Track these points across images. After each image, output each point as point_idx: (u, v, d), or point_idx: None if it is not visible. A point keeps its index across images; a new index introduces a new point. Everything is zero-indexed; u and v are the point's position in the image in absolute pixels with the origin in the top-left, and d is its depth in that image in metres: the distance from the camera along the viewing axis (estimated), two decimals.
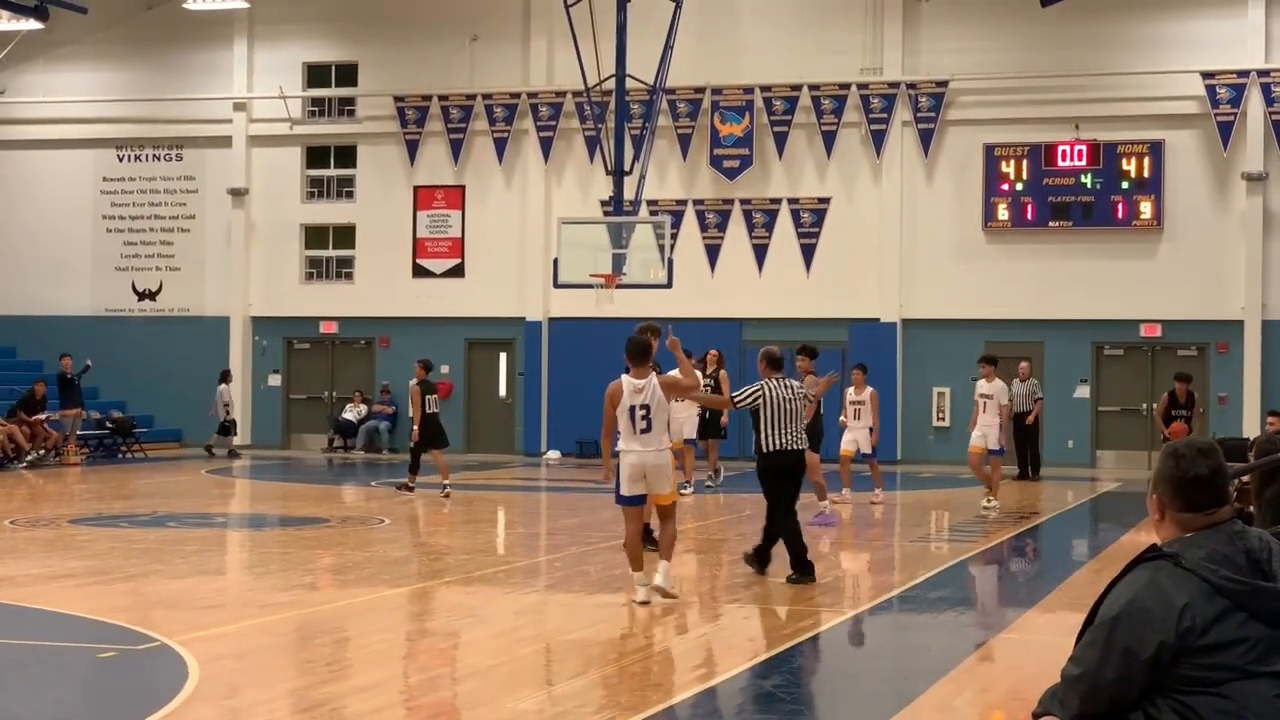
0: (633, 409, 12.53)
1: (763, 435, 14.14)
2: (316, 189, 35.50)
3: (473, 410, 34.51)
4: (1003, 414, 22.17)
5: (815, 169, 32.55)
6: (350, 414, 34.52)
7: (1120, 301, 30.97)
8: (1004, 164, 31.41)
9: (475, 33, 34.07)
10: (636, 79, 29.14)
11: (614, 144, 29.13)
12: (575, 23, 28.85)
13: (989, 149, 31.48)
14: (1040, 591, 14.28)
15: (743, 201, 32.76)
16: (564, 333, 33.28)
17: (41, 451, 29.77)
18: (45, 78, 36.31)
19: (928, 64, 32.02)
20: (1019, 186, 31.29)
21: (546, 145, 33.55)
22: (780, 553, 14.25)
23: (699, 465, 24.84)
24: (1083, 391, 31.48)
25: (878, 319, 32.06)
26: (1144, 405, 31.06)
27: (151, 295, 36.19)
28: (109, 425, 32.79)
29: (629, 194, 29.09)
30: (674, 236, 30.26)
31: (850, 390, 23.04)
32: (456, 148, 34.07)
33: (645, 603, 12.46)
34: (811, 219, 32.47)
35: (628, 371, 12.73)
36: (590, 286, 27.43)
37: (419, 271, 34.52)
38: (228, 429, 33.80)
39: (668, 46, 29.48)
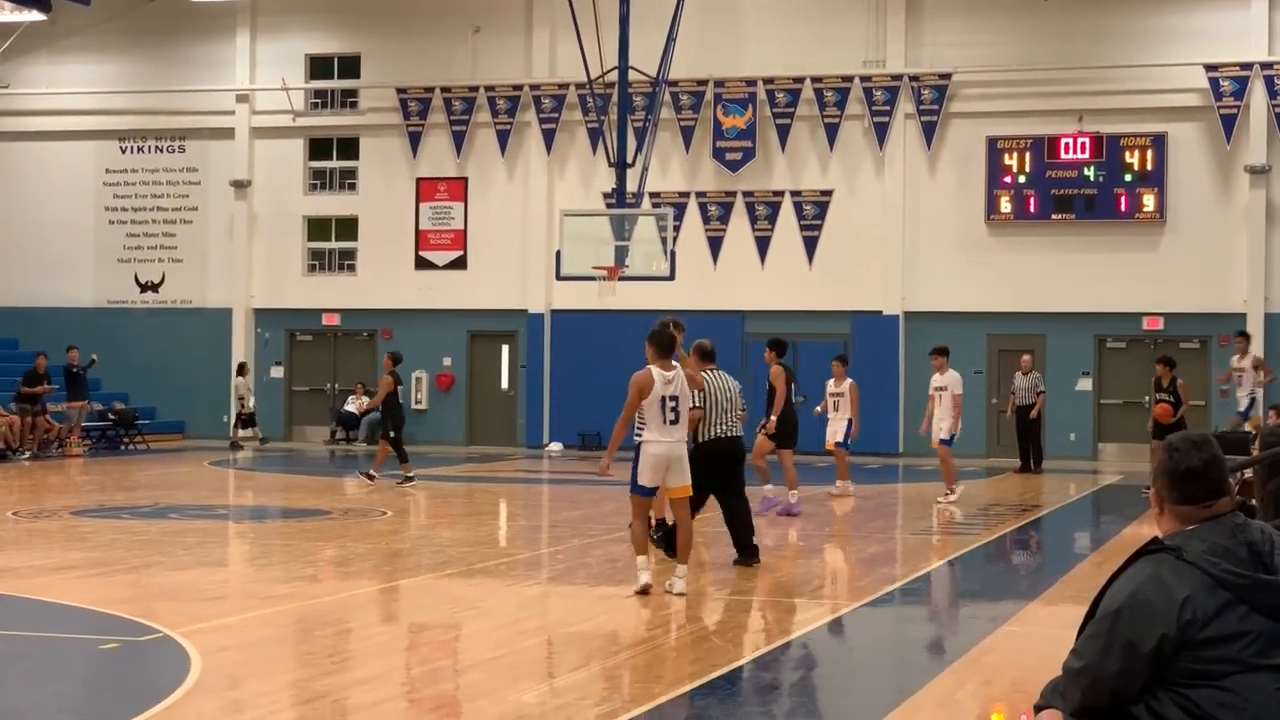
0: (664, 399, 12.58)
1: (700, 425, 14.33)
2: (319, 181, 35.49)
3: (475, 402, 34.52)
4: (956, 404, 21.72)
5: (818, 161, 32.54)
6: (352, 406, 34.51)
7: (1123, 294, 30.95)
8: (1007, 156, 31.39)
9: (478, 24, 34.05)
10: (639, 71, 29.12)
11: (616, 136, 29.11)
12: (578, 14, 28.83)
13: (992, 141, 31.45)
14: (1042, 584, 14.28)
15: (745, 194, 32.75)
16: (566, 325, 33.27)
17: (41, 443, 29.77)
18: (48, 69, 36.30)
19: (930, 56, 31.99)
20: (1022, 179, 31.27)
21: (549, 137, 33.53)
22: (725, 537, 14.51)
23: None
24: (1085, 384, 31.47)
25: (880, 312, 32.05)
26: (1146, 398, 31.02)
27: (154, 287, 36.20)
28: (111, 417, 32.82)
29: (631, 186, 29.07)
30: (676, 229, 30.24)
31: (830, 382, 22.90)
32: (459, 140, 34.05)
33: (646, 589, 12.45)
34: (814, 211, 32.45)
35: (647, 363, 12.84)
36: (593, 279, 27.42)
37: (421, 264, 34.51)
38: (248, 421, 33.91)
39: (670, 38, 29.45)
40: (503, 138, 33.83)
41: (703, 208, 32.96)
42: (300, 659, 10.32)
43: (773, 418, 19.79)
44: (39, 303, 36.03)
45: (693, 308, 29.45)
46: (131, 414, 33.16)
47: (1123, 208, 30.79)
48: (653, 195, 31.73)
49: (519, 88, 33.71)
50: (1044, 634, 11.46)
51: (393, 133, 34.64)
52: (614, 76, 29.02)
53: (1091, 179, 30.90)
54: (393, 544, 16.60)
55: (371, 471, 23.92)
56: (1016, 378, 29.04)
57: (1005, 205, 31.39)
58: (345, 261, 35.31)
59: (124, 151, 36.34)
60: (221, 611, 11.96)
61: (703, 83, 32.67)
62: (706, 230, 32.88)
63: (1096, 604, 4.40)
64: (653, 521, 14.06)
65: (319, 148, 35.51)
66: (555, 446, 33.11)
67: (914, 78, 31.84)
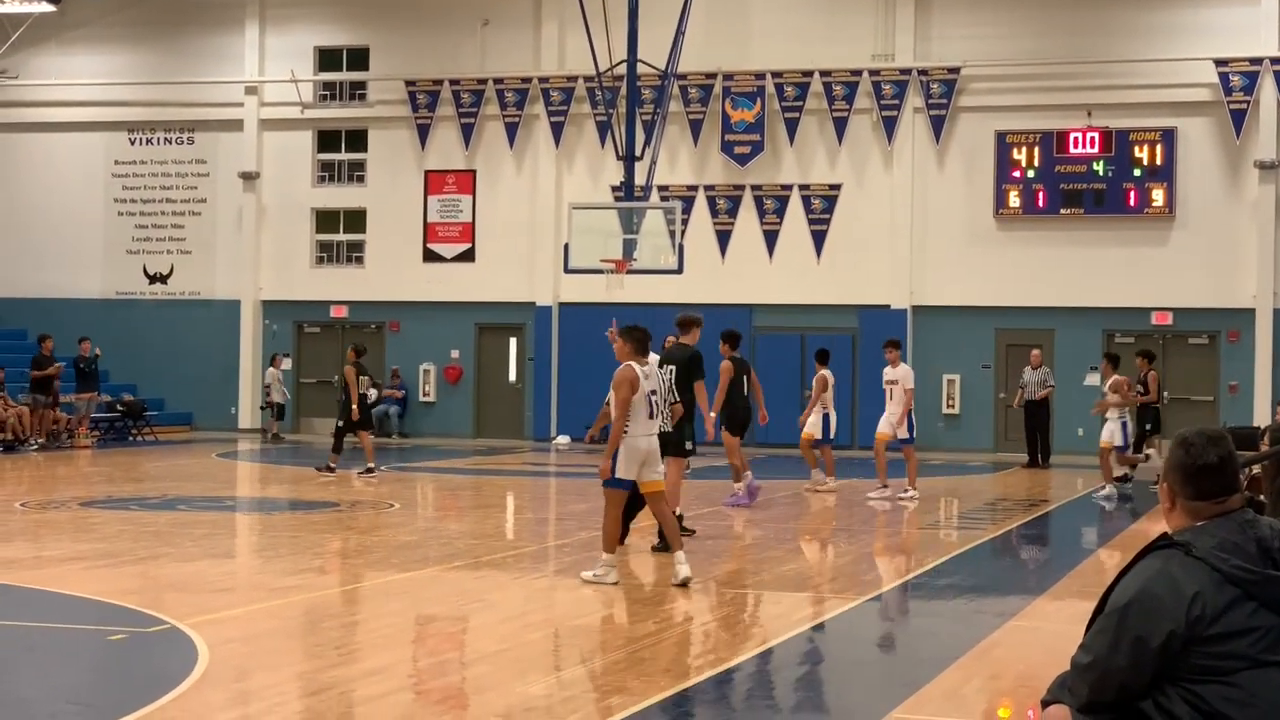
0: (650, 394, 13.00)
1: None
2: (327, 173, 35.50)
3: (482, 395, 34.54)
4: (907, 399, 21.28)
5: (826, 155, 32.52)
6: None
7: (1131, 289, 30.92)
8: (1016, 151, 31.35)
9: (487, 17, 34.05)
10: (648, 64, 29.08)
11: (625, 129, 29.07)
12: (586, 7, 28.79)
13: (1000, 136, 31.42)
14: (1050, 579, 14.27)
15: (754, 187, 32.74)
16: (574, 318, 33.26)
17: (49, 433, 29.83)
18: (57, 61, 36.33)
19: (939, 50, 31.96)
20: (1030, 174, 31.24)
21: (557, 130, 33.53)
22: (650, 526, 14.59)
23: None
24: (1093, 379, 31.38)
25: (888, 306, 32.03)
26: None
27: (162, 278, 36.24)
28: (120, 408, 32.87)
29: (640, 179, 29.04)
30: (685, 222, 30.19)
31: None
32: (467, 132, 34.06)
33: (613, 584, 12.77)
34: (822, 205, 32.44)
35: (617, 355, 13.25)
36: (601, 272, 27.40)
37: (429, 256, 34.53)
38: (280, 411, 33.99)
39: (679, 32, 29.42)
40: (511, 130, 33.83)
41: (711, 201, 32.94)
42: (308, 651, 10.32)
43: (712, 413, 20.10)
44: (48, 294, 36.08)
45: (701, 301, 29.46)
46: (140, 405, 33.22)
47: (1132, 202, 30.74)
48: (661, 188, 31.72)
49: (527, 80, 33.71)
50: (1051, 629, 11.45)
51: (401, 125, 34.65)
52: (622, 70, 28.99)
53: (1100, 174, 30.86)
54: (400, 536, 16.60)
55: (370, 465, 24.01)
56: (1026, 372, 29.02)
57: (1014, 200, 31.35)
58: (353, 254, 35.32)
59: (133, 143, 36.37)
60: (229, 603, 11.98)
61: (711, 76, 32.65)
62: (715, 224, 32.87)
63: (1105, 599, 4.40)
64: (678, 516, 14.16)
65: (327, 140, 35.53)
66: (563, 439, 33.12)
67: (923, 72, 31.81)
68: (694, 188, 32.93)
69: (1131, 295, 30.95)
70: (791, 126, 32.37)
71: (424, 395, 34.60)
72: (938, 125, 31.80)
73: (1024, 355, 29.69)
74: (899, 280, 32.00)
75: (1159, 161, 30.64)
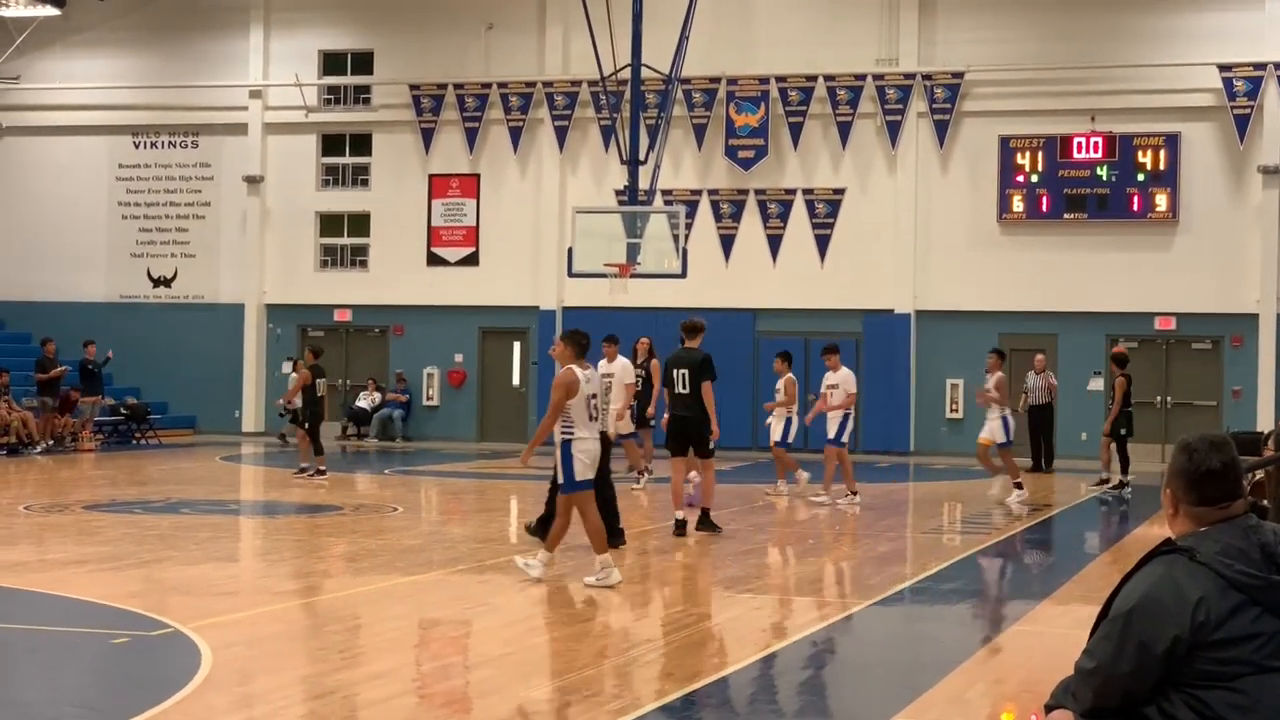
0: (588, 398, 13.39)
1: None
2: (331, 177, 35.53)
3: (486, 399, 34.54)
4: (846, 402, 21.05)
5: (830, 160, 32.51)
6: (364, 402, 34.56)
7: (1135, 294, 30.90)
8: (1019, 156, 31.35)
9: (491, 21, 34.06)
10: (652, 68, 29.12)
11: (629, 133, 29.11)
12: (591, 12, 28.84)
13: (1004, 140, 31.41)
14: (1053, 583, 14.26)
15: (757, 192, 32.74)
16: (578, 322, 32.99)
17: (51, 442, 29.88)
18: (62, 64, 36.36)
19: (943, 55, 31.95)
20: (1034, 178, 31.23)
21: (562, 134, 33.54)
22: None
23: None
24: (1096, 384, 31.39)
25: (892, 310, 32.03)
26: (1157, 398, 31.01)
27: (166, 282, 36.26)
28: (123, 411, 32.90)
29: (644, 184, 29.08)
30: (688, 226, 30.22)
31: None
32: (471, 136, 34.07)
33: (616, 583, 12.96)
34: (826, 210, 32.43)
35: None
36: (604, 276, 27.43)
37: (433, 260, 34.54)
38: (297, 416, 33.92)
39: (683, 36, 29.45)
40: (515, 134, 33.84)
41: (715, 205, 32.94)
42: (311, 654, 10.33)
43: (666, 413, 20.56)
44: (52, 297, 36.10)
45: (704, 306, 29.44)
46: (143, 408, 33.24)
47: (1135, 207, 30.73)
48: (665, 193, 31.73)
49: (532, 85, 33.72)
50: (1055, 633, 11.45)
51: (405, 129, 34.67)
52: (627, 74, 29.03)
53: (1104, 178, 30.85)
54: (404, 540, 16.61)
55: (303, 464, 24.16)
56: (1029, 377, 29.00)
57: (1017, 204, 31.35)
58: (357, 257, 35.34)
59: (137, 147, 36.39)
60: (233, 606, 11.98)
61: (715, 80, 32.66)
62: (719, 228, 32.86)
63: (1109, 604, 4.40)
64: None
65: (332, 144, 35.55)
66: None
67: (927, 76, 31.81)
68: (698, 192, 32.92)
69: (1135, 300, 30.93)
70: (795, 131, 32.37)
71: (428, 399, 34.61)
72: (941, 130, 31.80)
73: (1027, 360, 29.66)
74: (902, 285, 31.99)
75: (1163, 166, 30.63)
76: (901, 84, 31.92)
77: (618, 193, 31.29)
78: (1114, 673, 4.29)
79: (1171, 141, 30.61)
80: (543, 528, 14.93)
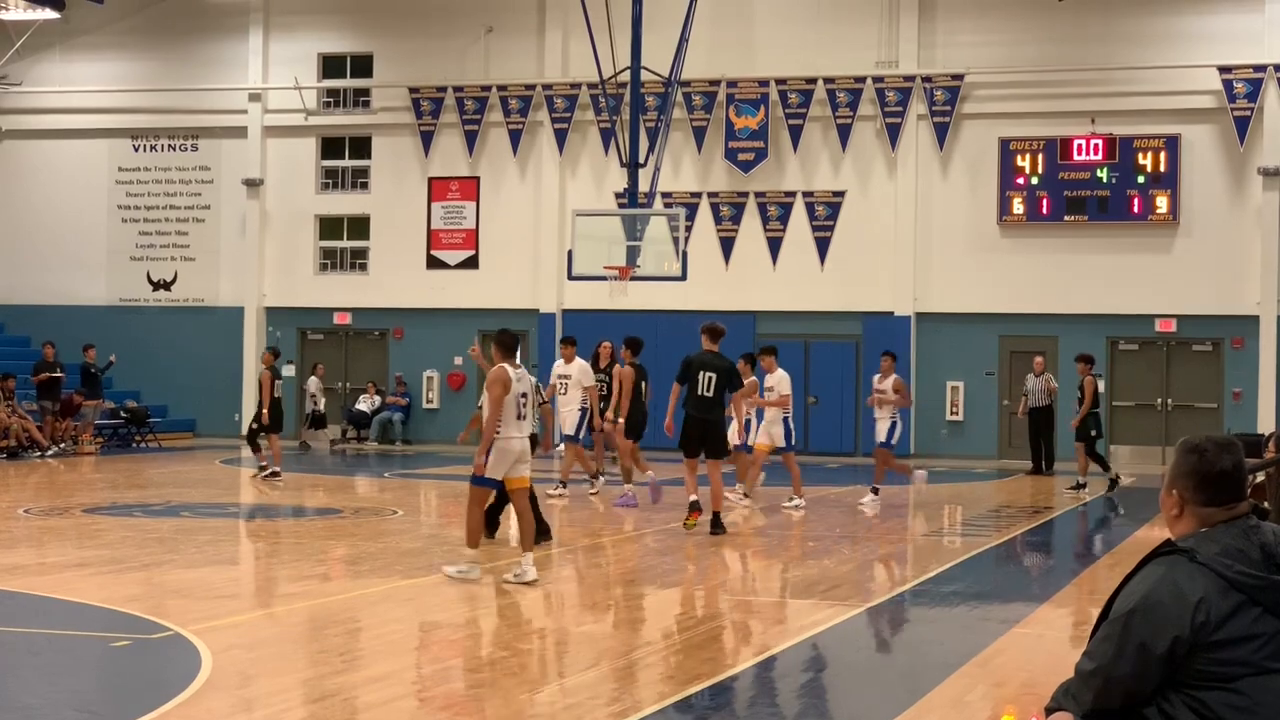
0: (520, 397, 13.47)
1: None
2: (331, 180, 35.53)
3: None
4: (782, 404, 20.96)
5: (830, 162, 32.52)
6: (364, 405, 34.56)
7: (1135, 296, 30.90)
8: (1019, 158, 31.35)
9: (490, 24, 34.07)
10: (652, 71, 29.11)
11: (629, 136, 29.10)
12: (590, 14, 28.83)
13: (1004, 143, 31.41)
14: (1054, 586, 14.26)
15: (757, 194, 32.74)
16: (578, 325, 33.16)
17: (60, 445, 29.92)
18: (61, 68, 36.36)
19: (943, 57, 31.96)
20: (1034, 180, 31.23)
21: (561, 137, 33.54)
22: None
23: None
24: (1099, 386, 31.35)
25: (892, 313, 32.02)
26: (1158, 400, 31.02)
27: (166, 285, 36.25)
28: (123, 415, 32.90)
29: (643, 186, 29.07)
30: (688, 229, 30.22)
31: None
32: (471, 139, 34.08)
33: (476, 580, 13.14)
34: (826, 212, 32.43)
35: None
36: (604, 279, 27.42)
37: (433, 263, 34.53)
38: (319, 421, 33.95)
39: (683, 39, 29.45)
40: (515, 137, 33.85)
41: (715, 208, 32.94)
42: (311, 657, 10.33)
43: (621, 417, 20.60)
44: (51, 300, 36.09)
45: (704, 308, 29.43)
46: (143, 412, 33.24)
47: (1136, 209, 30.73)
48: (665, 195, 31.73)
49: (531, 87, 33.73)
50: (1055, 636, 11.44)
51: (405, 132, 34.67)
52: (626, 76, 29.03)
53: (1104, 181, 30.85)
54: (404, 543, 16.60)
55: (275, 469, 24.11)
56: (1029, 379, 29.01)
57: (1018, 206, 31.35)
58: (357, 260, 35.34)
59: (136, 150, 36.40)
60: (233, 609, 11.98)
61: (715, 83, 32.66)
62: (718, 231, 32.87)
63: (1109, 606, 4.40)
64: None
65: (331, 147, 35.55)
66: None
67: (926, 79, 31.81)
68: (698, 194, 32.93)
69: (1135, 302, 30.93)
70: (795, 133, 32.37)
71: (427, 402, 34.60)
72: (941, 132, 31.80)
73: (1027, 362, 29.68)
74: (903, 287, 31.98)
75: (1163, 168, 30.63)
76: (901, 86, 31.92)
77: (617, 195, 31.29)
78: (1114, 674, 4.29)
79: (1172, 144, 30.61)
80: (531, 538, 14.75)
